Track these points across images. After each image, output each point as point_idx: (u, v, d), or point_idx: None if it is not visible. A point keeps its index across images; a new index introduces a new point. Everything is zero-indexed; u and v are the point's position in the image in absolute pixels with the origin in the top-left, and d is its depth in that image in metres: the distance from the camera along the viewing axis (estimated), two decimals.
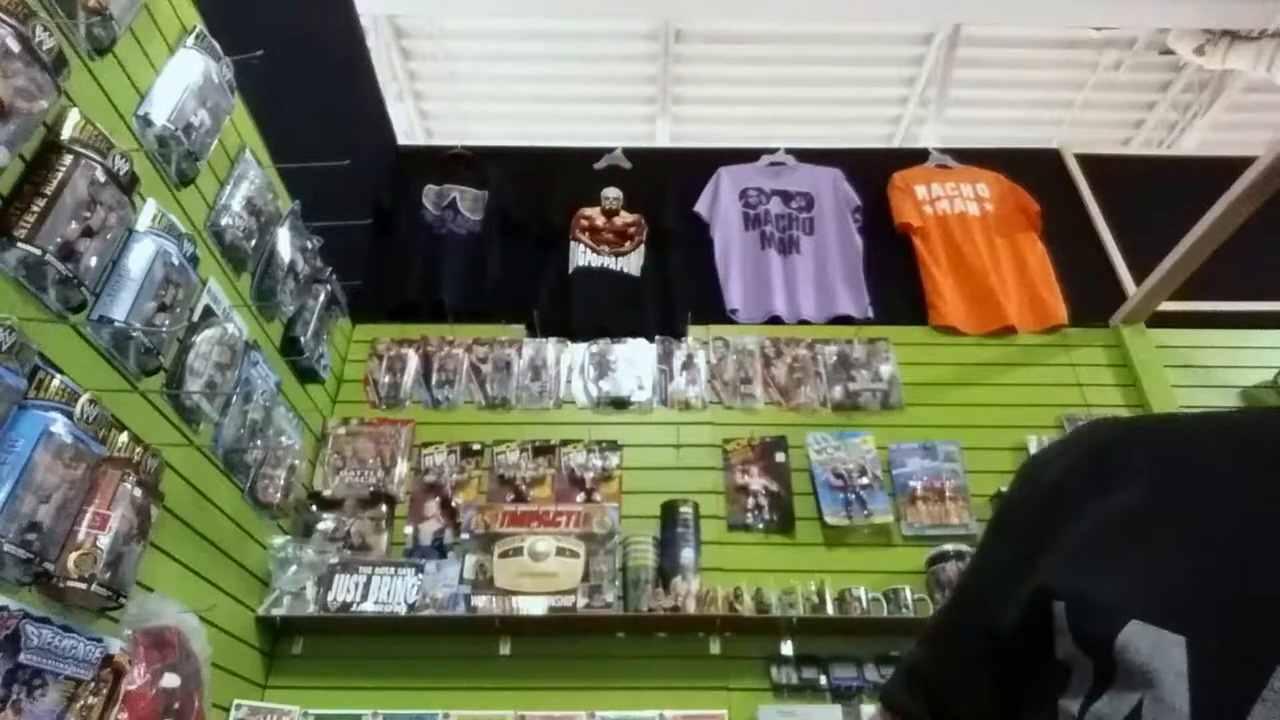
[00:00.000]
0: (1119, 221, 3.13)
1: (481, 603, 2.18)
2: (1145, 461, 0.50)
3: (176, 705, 1.51)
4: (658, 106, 4.48)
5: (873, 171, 3.25)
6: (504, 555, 2.26)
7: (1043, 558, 0.50)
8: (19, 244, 1.22)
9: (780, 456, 2.55)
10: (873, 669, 2.17)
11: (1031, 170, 3.26)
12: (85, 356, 1.40)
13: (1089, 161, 3.35)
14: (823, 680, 2.15)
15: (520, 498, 2.47)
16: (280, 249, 2.13)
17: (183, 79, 1.68)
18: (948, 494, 2.48)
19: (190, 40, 1.75)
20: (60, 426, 1.24)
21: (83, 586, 1.26)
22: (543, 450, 2.56)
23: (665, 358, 2.78)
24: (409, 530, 2.41)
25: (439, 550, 2.36)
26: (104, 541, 1.30)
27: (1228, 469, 0.47)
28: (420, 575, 2.21)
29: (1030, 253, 3.02)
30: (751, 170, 3.26)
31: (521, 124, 4.47)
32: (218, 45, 1.82)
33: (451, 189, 3.14)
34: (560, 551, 2.25)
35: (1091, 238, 3.12)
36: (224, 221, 1.89)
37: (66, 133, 1.33)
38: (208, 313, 1.78)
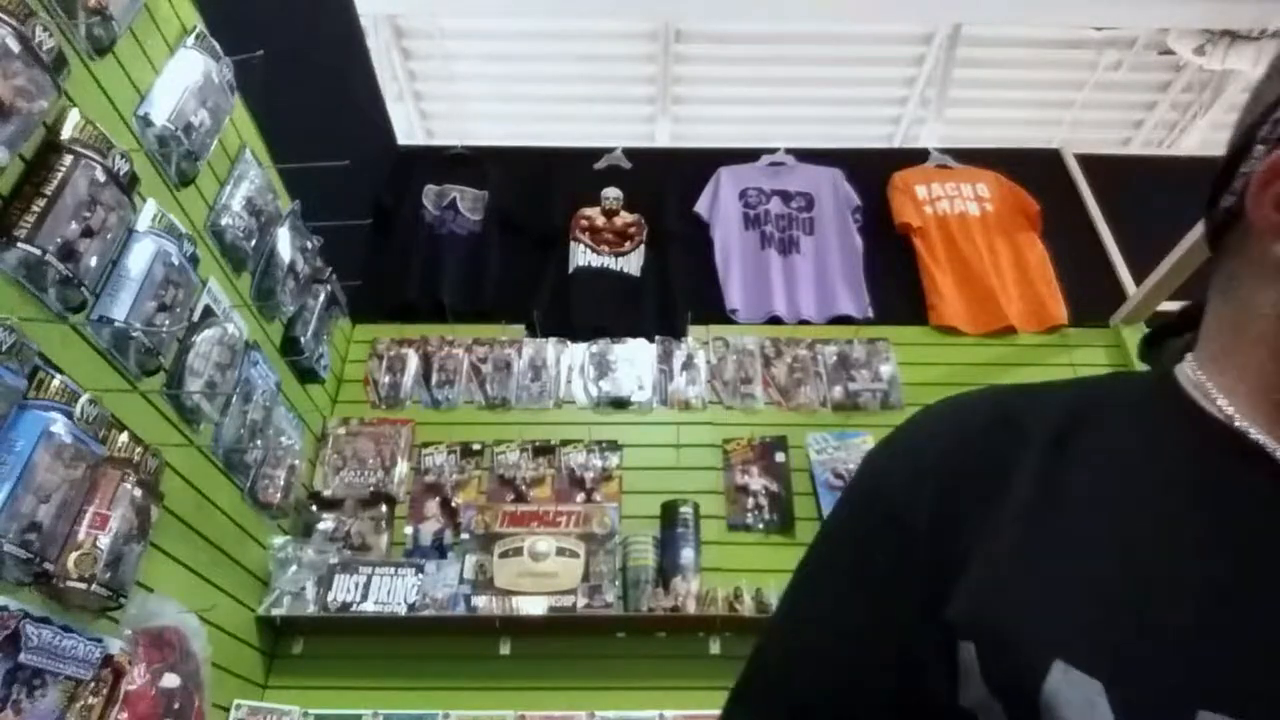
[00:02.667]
0: (1119, 221, 3.13)
1: (481, 603, 2.18)
2: (1035, 443, 0.45)
3: (176, 705, 1.51)
4: (658, 106, 4.48)
5: (873, 171, 3.25)
6: (504, 555, 2.26)
7: (934, 591, 0.43)
8: (19, 244, 1.22)
9: (780, 456, 2.55)
10: None
11: (1031, 170, 3.25)
12: (85, 356, 1.41)
13: (1089, 161, 3.35)
14: None
15: (520, 498, 2.47)
16: (280, 249, 2.13)
17: (183, 79, 1.68)
18: None
19: (190, 40, 1.75)
20: (60, 426, 1.24)
21: (83, 586, 1.26)
22: (543, 450, 2.56)
23: (665, 358, 2.78)
24: (409, 530, 2.41)
25: (439, 550, 2.36)
26: (104, 541, 1.30)
27: (1131, 452, 0.45)
28: (420, 575, 2.21)
29: (1030, 253, 3.02)
30: (751, 170, 3.26)
31: (521, 124, 4.47)
32: (218, 45, 1.82)
33: (451, 189, 3.14)
34: (560, 551, 2.25)
35: (1091, 238, 3.12)
36: (224, 221, 1.89)
37: (66, 133, 1.33)
38: (208, 313, 1.78)
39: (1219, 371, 0.48)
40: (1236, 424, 0.44)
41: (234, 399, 1.89)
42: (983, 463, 0.47)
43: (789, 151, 3.29)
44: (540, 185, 3.19)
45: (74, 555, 1.27)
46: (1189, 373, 0.50)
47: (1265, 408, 0.44)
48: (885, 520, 0.49)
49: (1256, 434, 0.43)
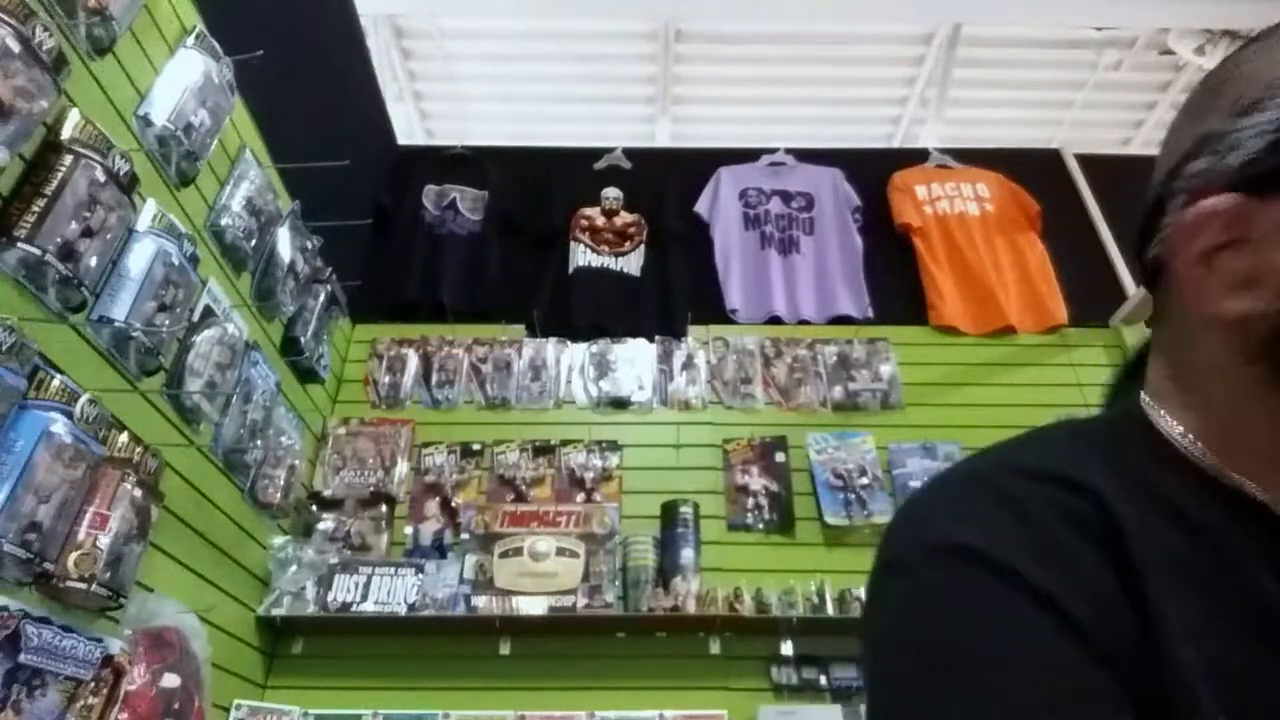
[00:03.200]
0: (1119, 221, 3.13)
1: (481, 603, 2.18)
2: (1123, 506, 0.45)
3: (176, 705, 1.51)
4: (658, 106, 4.48)
5: (873, 171, 3.25)
6: (504, 555, 2.26)
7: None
8: (19, 244, 1.22)
9: (780, 456, 2.55)
10: None
11: (1031, 170, 3.25)
12: (85, 356, 1.41)
13: (1089, 161, 3.35)
14: (823, 680, 2.15)
15: (520, 498, 2.47)
16: (280, 249, 2.13)
17: (183, 79, 1.68)
18: None
19: (190, 40, 1.75)
20: (60, 426, 1.24)
21: (83, 586, 1.26)
22: (543, 450, 2.56)
23: (665, 358, 2.78)
24: (409, 530, 2.41)
25: (439, 550, 2.36)
26: (104, 541, 1.30)
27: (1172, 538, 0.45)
28: (420, 575, 2.21)
29: (1030, 253, 3.02)
30: (751, 170, 3.26)
31: (521, 124, 4.47)
32: (218, 45, 1.82)
33: (451, 189, 3.14)
34: (560, 551, 2.25)
35: (1091, 238, 3.12)
36: (224, 221, 1.89)
37: (66, 133, 1.33)
38: (208, 313, 1.78)
39: (1176, 408, 0.50)
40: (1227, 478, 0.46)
41: (234, 399, 1.89)
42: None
43: (789, 151, 3.29)
44: (540, 185, 3.19)
45: (74, 555, 1.27)
46: (1163, 423, 0.50)
47: (1223, 452, 0.47)
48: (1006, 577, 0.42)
49: (1252, 489, 0.46)
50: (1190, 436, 0.48)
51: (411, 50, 4.31)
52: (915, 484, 2.50)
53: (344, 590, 2.17)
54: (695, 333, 2.84)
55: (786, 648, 2.17)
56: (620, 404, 2.68)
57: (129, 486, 1.38)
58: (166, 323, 1.57)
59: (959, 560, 0.43)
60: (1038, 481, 0.46)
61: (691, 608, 2.15)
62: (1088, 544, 0.43)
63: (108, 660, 1.34)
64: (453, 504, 2.45)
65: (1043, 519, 0.44)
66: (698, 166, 3.27)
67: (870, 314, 2.91)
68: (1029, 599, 0.40)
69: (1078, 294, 2.92)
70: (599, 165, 3.27)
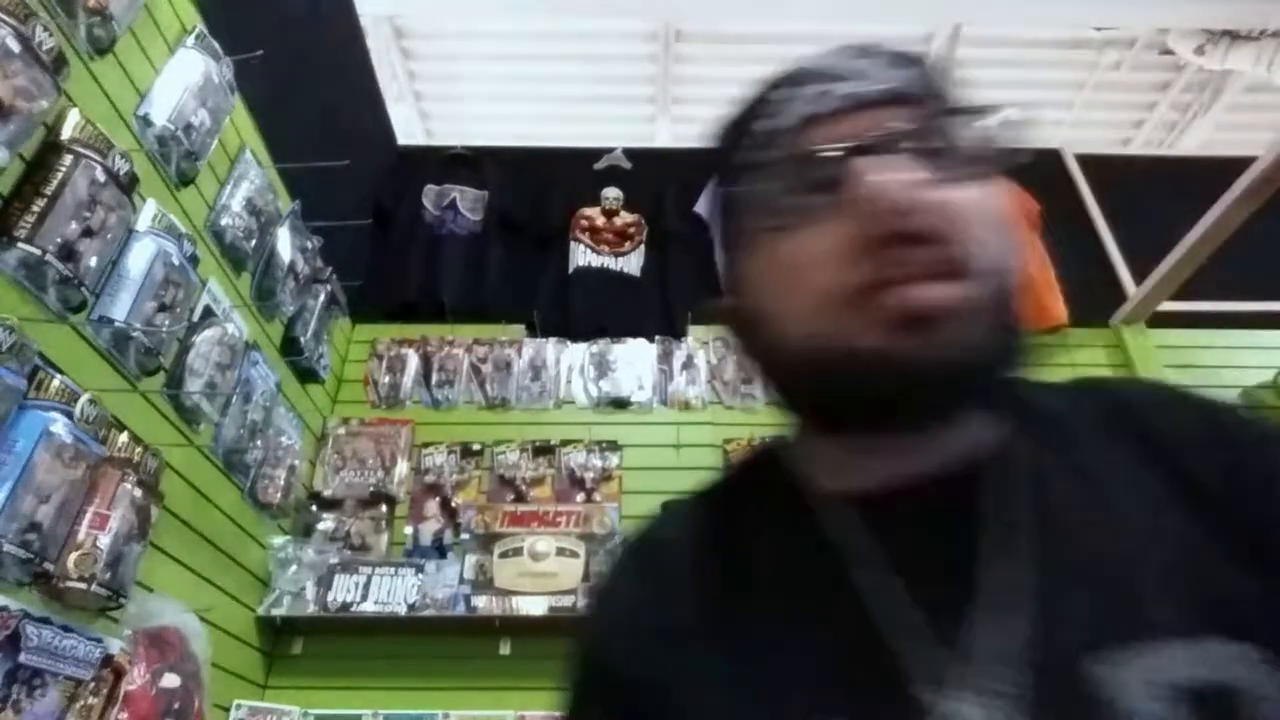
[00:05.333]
0: (1119, 221, 3.13)
1: (481, 603, 2.18)
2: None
3: (176, 705, 1.51)
4: (658, 106, 4.48)
5: None
6: (504, 555, 2.26)
7: None
8: (19, 244, 1.23)
9: None
10: None
11: (1031, 170, 3.24)
12: (85, 356, 1.41)
13: (1089, 161, 3.35)
14: None
15: (520, 498, 2.47)
16: (280, 249, 2.13)
17: (183, 79, 1.68)
18: None
19: (190, 40, 1.75)
20: (60, 426, 1.24)
21: (83, 586, 1.26)
22: (543, 450, 2.56)
23: (665, 358, 2.78)
24: (409, 530, 2.41)
25: (439, 550, 2.36)
26: (104, 541, 1.30)
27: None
28: (420, 575, 2.21)
29: (1030, 253, 3.01)
30: None
31: (521, 124, 4.47)
32: (218, 45, 1.82)
33: (451, 189, 3.14)
34: (560, 551, 2.25)
35: (1091, 238, 3.12)
36: (224, 221, 1.89)
37: (66, 133, 1.33)
38: (208, 313, 1.78)
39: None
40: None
41: (234, 399, 1.89)
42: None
43: None
44: (540, 185, 3.18)
45: (74, 555, 1.27)
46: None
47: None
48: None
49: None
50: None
51: (411, 50, 4.31)
52: None
53: (344, 590, 2.17)
54: (695, 333, 2.83)
55: None
56: (620, 404, 2.68)
57: (129, 486, 1.38)
58: (166, 323, 1.57)
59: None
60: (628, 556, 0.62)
61: None
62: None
63: (108, 660, 1.34)
64: (453, 504, 2.45)
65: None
66: (698, 166, 3.24)
67: None
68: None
69: (1078, 294, 2.91)
70: (599, 165, 3.27)
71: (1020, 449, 0.49)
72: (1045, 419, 0.52)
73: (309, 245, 2.30)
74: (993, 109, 0.51)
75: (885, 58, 0.51)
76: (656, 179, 3.21)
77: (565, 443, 2.58)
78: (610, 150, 3.31)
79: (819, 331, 0.46)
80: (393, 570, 2.22)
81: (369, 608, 2.15)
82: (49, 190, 1.28)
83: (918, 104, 0.48)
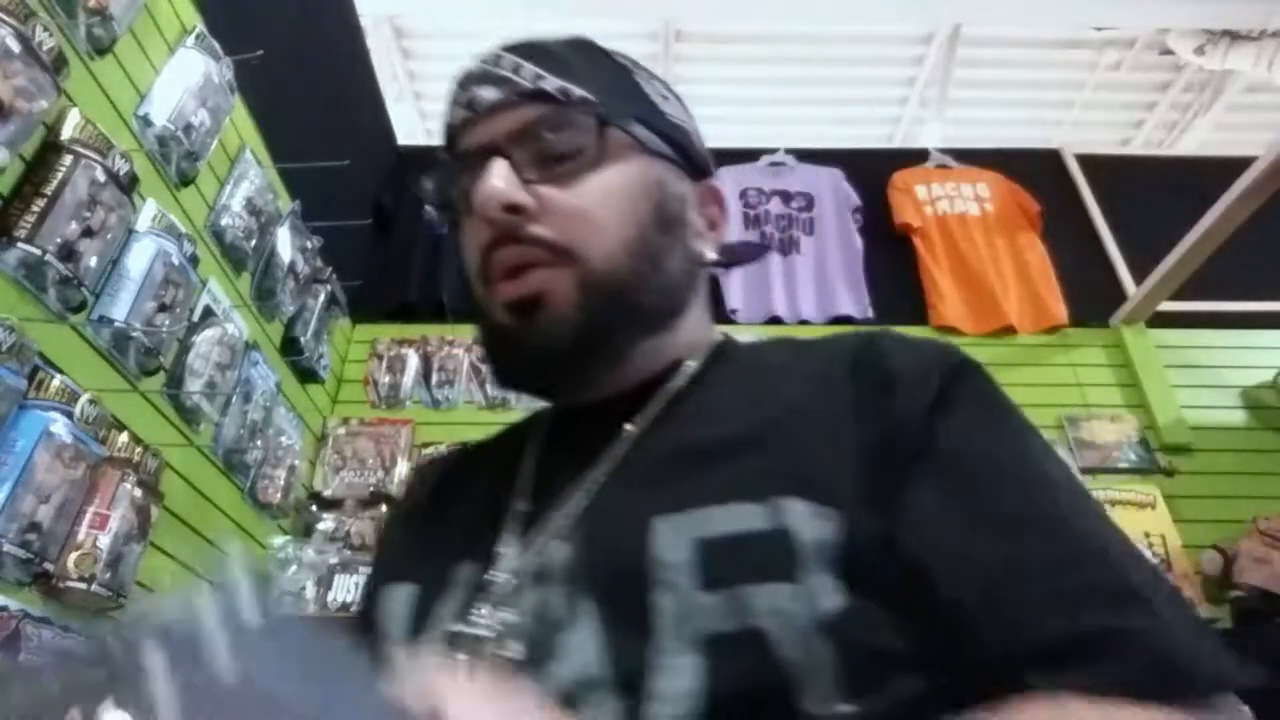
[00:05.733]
0: (1119, 221, 3.13)
1: None
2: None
3: None
4: None
5: (873, 171, 3.25)
6: None
7: None
8: (19, 244, 1.22)
9: None
10: None
11: (1031, 170, 3.25)
12: (85, 356, 1.40)
13: (1089, 161, 3.35)
14: None
15: None
16: (280, 249, 2.13)
17: (183, 79, 1.68)
18: None
19: (190, 40, 1.75)
20: (60, 426, 1.24)
21: (83, 586, 1.26)
22: None
23: None
24: None
25: None
26: (104, 541, 1.30)
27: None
28: None
29: (1030, 253, 3.02)
30: (751, 170, 3.25)
31: None
32: (218, 45, 1.82)
33: None
34: None
35: (1091, 238, 3.12)
36: (224, 221, 1.89)
37: (66, 133, 1.33)
38: (208, 313, 1.78)
39: None
40: None
41: (234, 399, 1.89)
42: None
43: (789, 152, 3.29)
44: None
45: (74, 555, 1.27)
46: None
47: None
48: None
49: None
50: None
51: (411, 50, 4.31)
52: None
53: (344, 590, 2.17)
54: None
55: None
56: None
57: (129, 486, 1.38)
58: (166, 323, 1.57)
59: None
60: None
61: None
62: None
63: None
64: None
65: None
66: None
67: (870, 314, 2.91)
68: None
69: (1078, 294, 2.92)
70: None
71: (683, 380, 0.57)
72: (740, 359, 0.60)
73: (309, 245, 2.30)
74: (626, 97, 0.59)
75: (547, 55, 0.59)
76: None
77: None
78: None
79: (479, 298, 0.59)
80: None
81: None
82: (49, 190, 1.28)
83: (558, 103, 0.55)
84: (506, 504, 0.55)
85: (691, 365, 0.58)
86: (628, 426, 0.54)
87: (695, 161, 0.63)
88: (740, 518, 0.45)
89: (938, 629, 0.42)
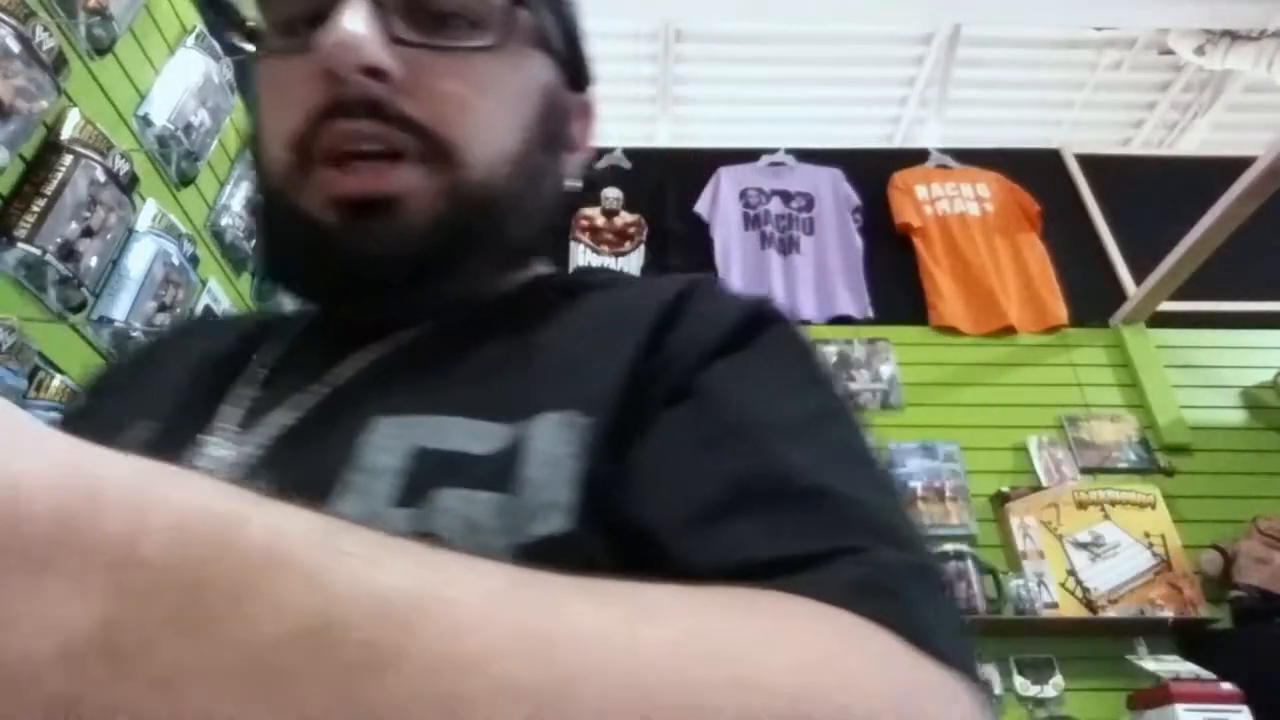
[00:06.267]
0: (1119, 221, 3.13)
1: None
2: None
3: None
4: (658, 106, 4.48)
5: (873, 171, 3.25)
6: None
7: None
8: (19, 244, 1.22)
9: None
10: None
11: (1031, 170, 3.26)
12: (85, 356, 1.40)
13: (1089, 161, 3.35)
14: None
15: None
16: None
17: (183, 79, 1.68)
18: (948, 494, 2.48)
19: (190, 40, 1.75)
20: None
21: None
22: None
23: None
24: None
25: None
26: None
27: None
28: None
29: (1030, 253, 3.02)
30: (751, 170, 3.26)
31: None
32: (218, 45, 1.82)
33: None
34: None
35: (1091, 238, 3.12)
36: (224, 222, 1.89)
37: (66, 133, 1.33)
38: (208, 313, 1.78)
39: None
40: None
41: None
42: None
43: (789, 151, 3.29)
44: None
45: None
46: None
47: None
48: None
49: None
50: None
51: None
52: (915, 484, 2.50)
53: None
54: None
55: None
56: None
57: None
58: (167, 323, 1.57)
59: None
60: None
61: None
62: None
63: None
64: None
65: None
66: (698, 166, 3.26)
67: (870, 314, 2.91)
68: None
69: (1078, 294, 2.92)
70: (599, 165, 3.27)
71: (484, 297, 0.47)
72: (554, 286, 0.50)
73: None
74: None
75: None
76: (656, 179, 3.21)
77: None
78: (610, 150, 3.31)
79: (279, 174, 0.43)
80: None
81: None
82: (49, 190, 1.28)
83: None
84: (229, 387, 0.45)
85: (499, 288, 0.49)
86: (385, 343, 0.45)
87: (579, 65, 0.52)
88: (480, 436, 0.37)
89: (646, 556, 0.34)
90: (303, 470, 0.38)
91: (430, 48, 0.41)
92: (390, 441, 0.37)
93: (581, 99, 0.53)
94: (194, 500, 0.21)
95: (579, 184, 0.53)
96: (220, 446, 0.41)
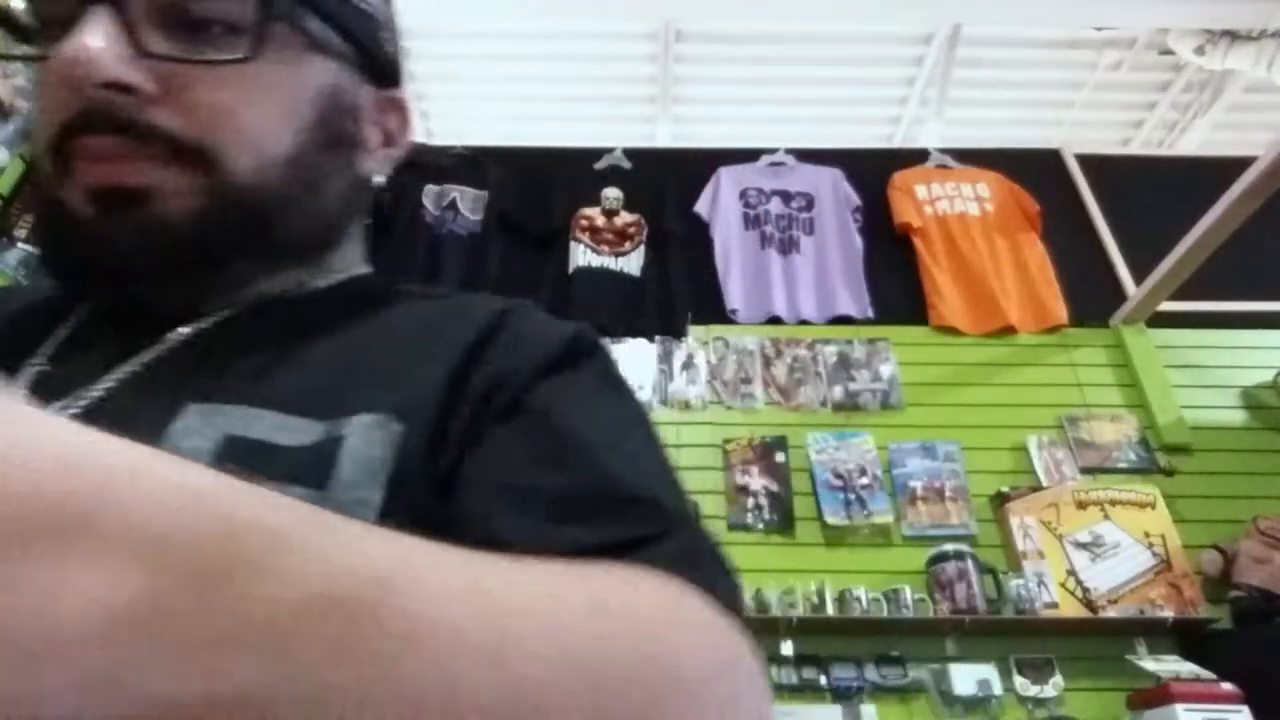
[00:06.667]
0: (1119, 221, 3.13)
1: None
2: None
3: None
4: (658, 106, 4.48)
5: (873, 171, 3.25)
6: None
7: None
8: (19, 244, 1.23)
9: (780, 456, 2.55)
10: (873, 669, 2.17)
11: (1031, 170, 3.26)
12: None
13: (1089, 161, 3.35)
14: (823, 680, 2.16)
15: None
16: None
17: None
18: (948, 494, 2.48)
19: None
20: None
21: None
22: None
23: (665, 358, 2.78)
24: None
25: None
26: None
27: None
28: None
29: (1030, 253, 3.02)
30: (751, 170, 3.26)
31: (521, 124, 4.47)
32: None
33: (451, 189, 3.14)
34: None
35: (1091, 238, 3.12)
36: None
37: None
38: None
39: None
40: None
41: None
42: None
43: (789, 151, 3.29)
44: (540, 185, 3.19)
45: None
46: None
47: None
48: None
49: None
50: None
51: (412, 50, 4.31)
52: (915, 484, 2.50)
53: None
54: (695, 333, 2.84)
55: (786, 648, 2.17)
56: None
57: None
58: None
59: None
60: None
61: None
62: None
63: None
64: None
65: None
66: (698, 166, 3.27)
67: (870, 314, 2.91)
68: None
69: (1078, 294, 2.92)
70: (599, 165, 3.27)
71: (290, 294, 0.48)
72: (372, 293, 0.50)
73: None
74: None
75: None
76: (656, 179, 3.21)
77: None
78: (610, 150, 3.31)
79: (46, 170, 0.42)
80: None
81: None
82: None
83: None
84: (21, 360, 0.43)
85: (310, 286, 0.49)
86: (187, 329, 0.44)
87: (379, 63, 0.51)
88: (291, 430, 0.38)
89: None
90: None
91: (180, 60, 0.40)
92: (199, 425, 0.38)
93: (386, 95, 0.52)
94: (197, 482, 0.23)
95: (383, 180, 0.53)
96: None
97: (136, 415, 0.37)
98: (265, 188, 0.43)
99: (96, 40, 0.38)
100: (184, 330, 0.44)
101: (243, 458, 0.37)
